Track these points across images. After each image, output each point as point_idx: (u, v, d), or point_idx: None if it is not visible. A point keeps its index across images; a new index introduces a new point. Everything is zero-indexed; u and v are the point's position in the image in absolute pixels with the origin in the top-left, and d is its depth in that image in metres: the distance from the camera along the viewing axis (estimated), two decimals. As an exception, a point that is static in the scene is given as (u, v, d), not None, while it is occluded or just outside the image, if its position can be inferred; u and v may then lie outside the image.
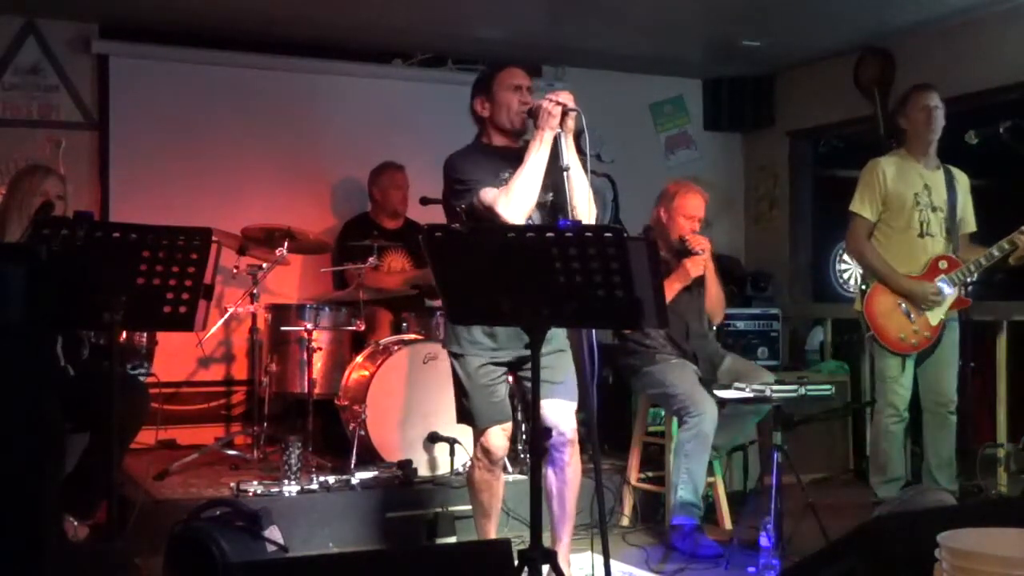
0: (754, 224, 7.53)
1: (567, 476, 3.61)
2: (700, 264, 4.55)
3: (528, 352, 3.46)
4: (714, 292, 4.68)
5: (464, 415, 3.66)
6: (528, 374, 3.52)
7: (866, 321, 4.66)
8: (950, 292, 4.60)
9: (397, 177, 5.90)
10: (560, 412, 3.57)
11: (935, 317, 4.62)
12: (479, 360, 3.56)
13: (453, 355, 3.62)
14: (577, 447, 3.65)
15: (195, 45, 6.10)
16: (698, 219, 4.64)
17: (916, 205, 4.66)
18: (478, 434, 3.66)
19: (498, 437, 3.63)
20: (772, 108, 7.29)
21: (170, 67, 6.10)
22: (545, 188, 3.52)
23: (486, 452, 3.65)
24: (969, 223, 4.81)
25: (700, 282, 4.63)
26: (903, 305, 4.62)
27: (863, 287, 4.75)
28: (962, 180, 4.81)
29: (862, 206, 4.70)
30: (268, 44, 6.25)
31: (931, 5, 5.70)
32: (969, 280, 4.65)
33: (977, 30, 5.83)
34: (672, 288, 4.44)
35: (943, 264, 4.64)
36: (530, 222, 3.47)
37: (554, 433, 3.54)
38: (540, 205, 3.56)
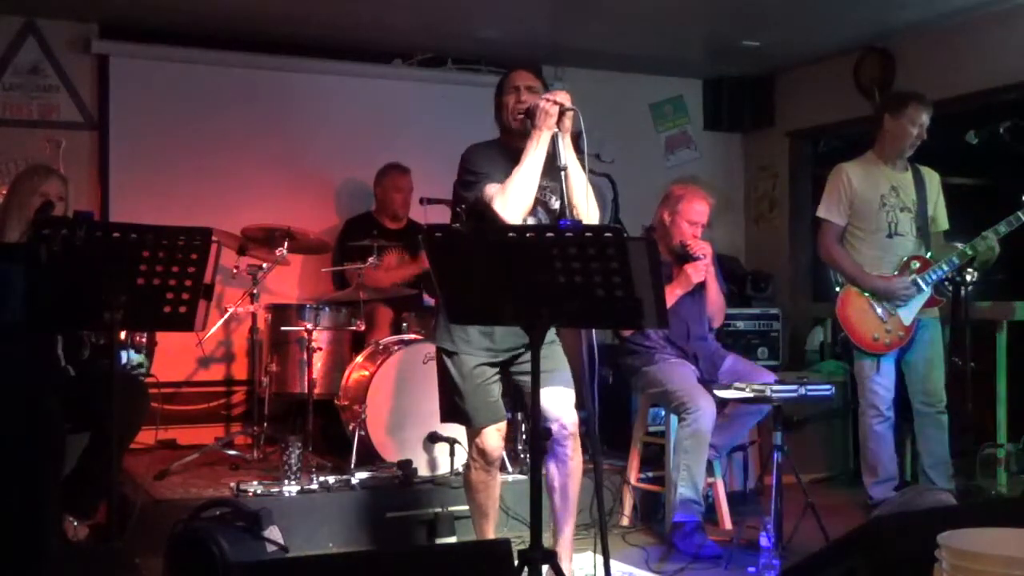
0: (754, 224, 7.53)
1: (570, 469, 3.59)
2: (701, 270, 4.55)
3: (520, 348, 3.50)
4: (715, 295, 4.68)
5: (457, 415, 3.64)
6: (520, 368, 3.56)
7: (840, 323, 4.71)
8: (925, 289, 4.62)
9: (399, 179, 5.88)
10: (560, 402, 3.55)
11: (908, 316, 4.64)
12: (475, 360, 3.54)
13: (445, 352, 3.59)
14: (579, 440, 3.64)
15: (195, 45, 6.10)
16: (701, 225, 4.62)
17: (883, 206, 4.70)
18: (473, 435, 3.65)
19: (494, 437, 3.63)
20: (772, 108, 7.30)
21: (170, 67, 6.11)
22: (553, 193, 3.52)
23: (482, 453, 3.64)
24: (941, 222, 4.83)
25: (701, 285, 4.62)
26: (875, 306, 4.65)
27: (836, 289, 4.77)
28: (932, 179, 4.82)
29: (829, 211, 4.78)
30: (268, 44, 6.25)
31: (931, 5, 5.70)
32: (942, 279, 4.64)
33: (977, 30, 5.83)
34: (673, 294, 4.45)
35: (915, 264, 4.68)
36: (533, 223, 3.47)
37: (556, 426, 3.52)
38: (550, 212, 3.56)
